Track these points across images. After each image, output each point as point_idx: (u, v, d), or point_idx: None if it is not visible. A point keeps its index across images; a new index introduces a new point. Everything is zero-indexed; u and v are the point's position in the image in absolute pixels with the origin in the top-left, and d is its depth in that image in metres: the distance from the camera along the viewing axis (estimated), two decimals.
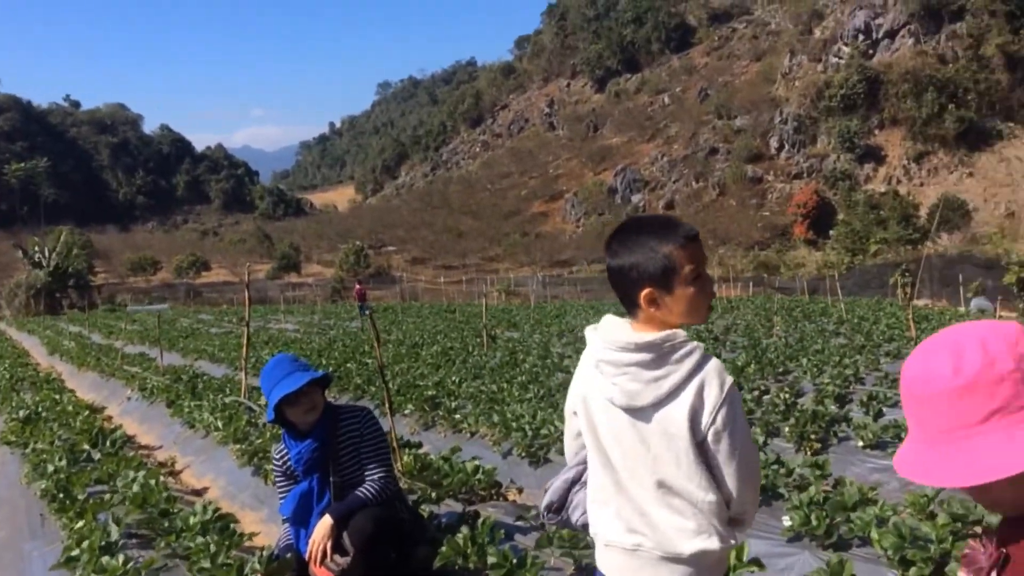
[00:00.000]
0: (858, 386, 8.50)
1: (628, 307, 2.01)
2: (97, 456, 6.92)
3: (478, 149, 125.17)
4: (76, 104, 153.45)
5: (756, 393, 7.75)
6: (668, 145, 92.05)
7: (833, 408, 6.73)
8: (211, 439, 8.07)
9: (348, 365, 11.68)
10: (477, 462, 5.27)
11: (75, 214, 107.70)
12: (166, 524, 4.69)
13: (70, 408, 9.73)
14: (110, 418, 11.70)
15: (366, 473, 4.01)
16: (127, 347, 18.03)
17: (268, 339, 18.46)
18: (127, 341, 18.81)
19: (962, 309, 22.12)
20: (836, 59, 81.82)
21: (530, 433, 6.19)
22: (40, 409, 9.84)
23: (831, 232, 61.09)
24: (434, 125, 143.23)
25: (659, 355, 1.92)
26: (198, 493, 7.06)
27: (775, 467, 4.78)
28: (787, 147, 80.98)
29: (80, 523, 4.69)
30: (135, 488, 5.30)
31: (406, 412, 8.24)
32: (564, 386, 8.85)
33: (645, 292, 1.94)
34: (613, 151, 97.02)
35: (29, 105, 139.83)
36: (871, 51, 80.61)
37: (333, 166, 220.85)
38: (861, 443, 5.70)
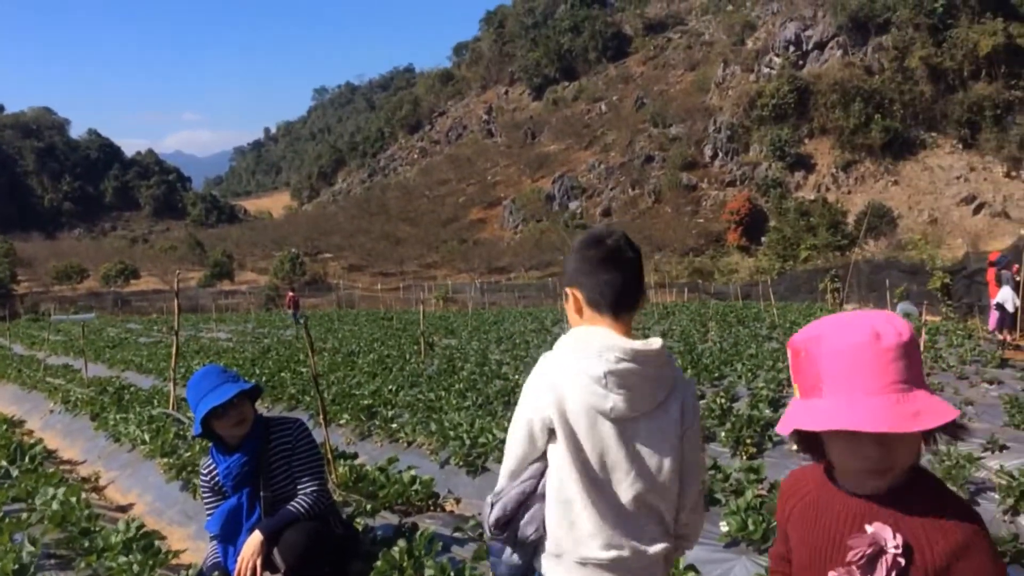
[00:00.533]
0: (791, 390, 8.62)
1: (628, 312, 2.06)
2: (15, 473, 6.61)
3: (416, 156, 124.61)
4: None
5: None
6: (605, 153, 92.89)
7: (768, 412, 6.79)
8: (137, 453, 7.79)
9: (282, 374, 11.43)
10: (414, 472, 5.16)
11: None
12: (87, 543, 4.48)
13: None
14: (31, 432, 11.25)
15: (298, 487, 3.89)
16: (50, 358, 17.41)
17: (199, 348, 17.99)
18: (50, 352, 18.16)
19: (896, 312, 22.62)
20: (768, 69, 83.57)
21: (468, 442, 6.11)
22: None
23: (763, 239, 62.30)
24: (372, 131, 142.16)
25: (666, 360, 2.01)
26: (123, 509, 6.81)
27: (712, 472, 4.78)
28: (721, 155, 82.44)
29: None
30: (54, 506, 5.06)
31: (341, 422, 8.08)
32: (503, 393, 8.79)
33: (641, 298, 2.07)
34: (551, 158, 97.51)
35: None
36: (801, 62, 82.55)
37: (268, 172, 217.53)
38: (795, 447, 5.75)
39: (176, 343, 8.70)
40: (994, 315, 15.09)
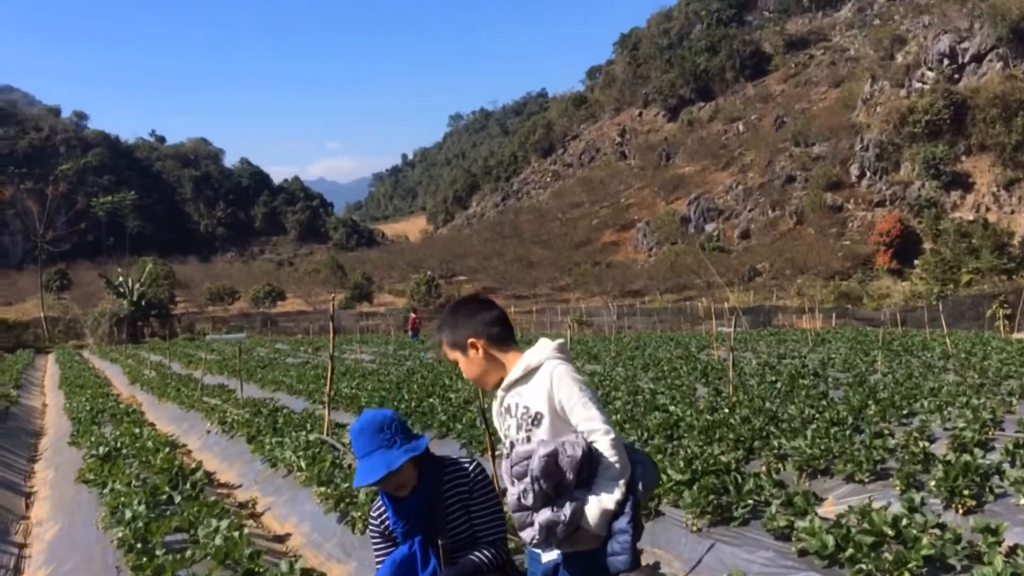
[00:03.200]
0: (997, 432, 7.69)
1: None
2: (177, 499, 6.58)
3: (549, 179, 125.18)
4: (161, 139, 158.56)
5: (881, 439, 7.01)
6: (743, 173, 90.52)
7: (982, 457, 6.00)
8: (293, 479, 7.70)
9: (430, 400, 11.25)
10: None
11: (158, 245, 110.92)
12: None
13: (150, 444, 9.49)
14: (189, 452, 11.50)
15: (479, 534, 3.53)
16: (206, 377, 18.00)
17: (345, 370, 18.20)
18: (206, 371, 18.79)
19: None
20: (920, 84, 79.45)
21: None
22: (119, 445, 9.64)
23: (916, 262, 58.96)
24: (505, 156, 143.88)
25: None
26: (281, 539, 6.67)
27: (935, 531, 4.14)
28: (868, 174, 78.87)
29: None
30: (217, 540, 4.90)
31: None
32: (664, 427, 8.25)
33: None
34: (686, 180, 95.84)
35: (117, 140, 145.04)
36: (957, 76, 78.09)
37: (405, 197, 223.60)
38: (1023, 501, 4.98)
39: (332, 367, 8.61)
40: None
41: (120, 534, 5.42)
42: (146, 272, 56.80)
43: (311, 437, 8.50)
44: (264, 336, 48.61)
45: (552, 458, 2.68)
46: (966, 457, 5.59)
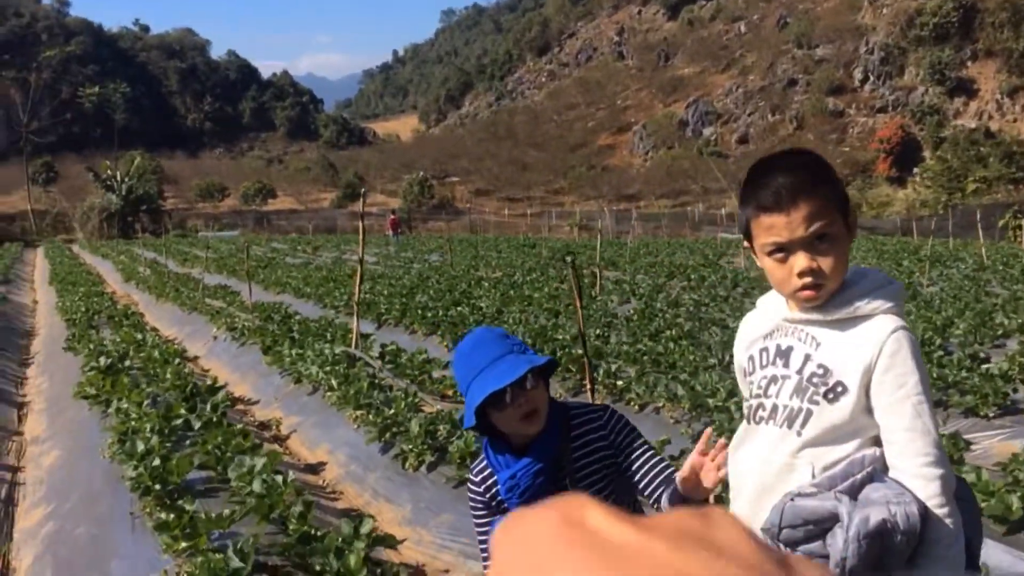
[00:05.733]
0: None
1: None
2: (196, 425, 5.83)
3: (544, 79, 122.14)
4: (145, 28, 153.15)
5: (984, 365, 6.26)
6: (743, 76, 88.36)
7: None
8: (321, 399, 6.98)
9: (459, 309, 10.48)
10: None
11: (145, 139, 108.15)
12: (307, 555, 3.52)
13: (156, 354, 8.73)
14: (196, 359, 10.78)
15: (648, 481, 2.76)
16: (205, 277, 17.15)
17: (351, 272, 17.32)
18: (204, 270, 17.92)
19: None
20: None
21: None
22: (122, 354, 8.87)
23: (915, 169, 58.11)
24: (499, 54, 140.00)
25: None
26: (314, 470, 5.97)
27: None
28: (872, 79, 77.16)
29: (187, 546, 3.54)
30: (256, 486, 4.15)
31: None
32: (728, 345, 7.53)
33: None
34: (685, 82, 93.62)
35: (100, 29, 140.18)
36: None
37: (396, 95, 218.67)
38: None
39: (360, 272, 7.79)
40: None
41: (132, 472, 4.66)
42: (134, 166, 55.16)
43: (337, 350, 7.73)
44: (258, 235, 47.56)
45: (878, 538, 1.63)
46: None
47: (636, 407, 5.98)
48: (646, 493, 2.75)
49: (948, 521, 1.71)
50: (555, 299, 11.52)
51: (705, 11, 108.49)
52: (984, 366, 6.19)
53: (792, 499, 1.76)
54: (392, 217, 36.93)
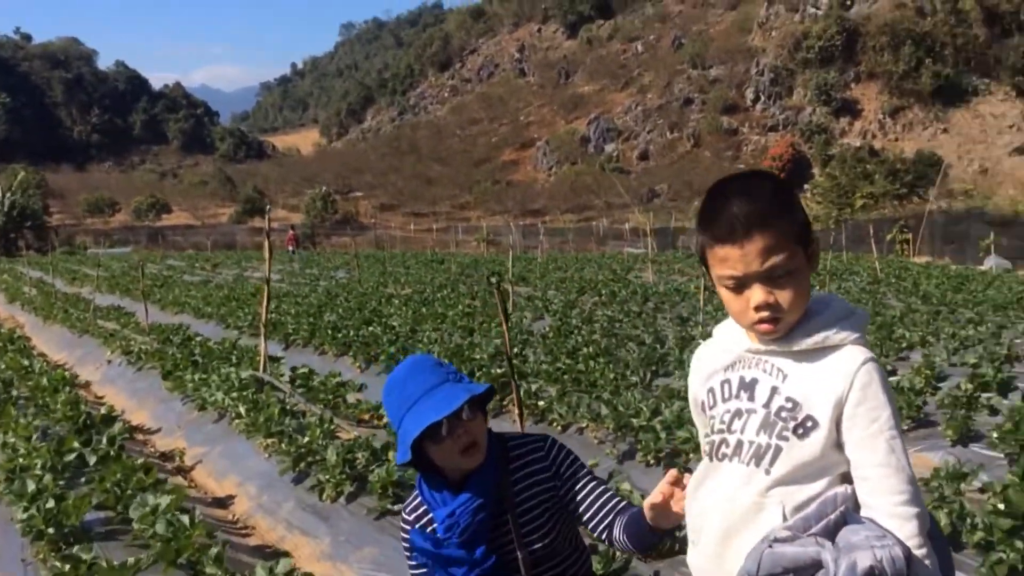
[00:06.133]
0: (1011, 367, 7.24)
1: None
2: (92, 460, 5.42)
3: (447, 94, 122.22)
4: (27, 37, 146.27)
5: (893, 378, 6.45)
6: (642, 94, 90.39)
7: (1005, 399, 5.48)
8: (228, 426, 6.64)
9: (371, 328, 10.19)
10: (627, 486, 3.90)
11: (28, 151, 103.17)
12: None
13: (46, 382, 8.16)
14: (88, 385, 10.18)
15: (595, 512, 2.61)
16: (97, 297, 16.29)
17: (255, 291, 16.75)
18: (95, 289, 17.04)
19: (982, 267, 21.29)
20: (814, 10, 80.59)
21: (663, 436, 4.84)
22: (7, 382, 8.27)
23: (806, 186, 60.47)
24: (401, 68, 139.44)
25: None
26: (222, 504, 5.63)
27: None
28: (763, 99, 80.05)
29: None
30: (159, 527, 3.83)
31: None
32: (648, 362, 7.51)
33: None
34: (586, 99, 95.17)
35: None
36: (849, 2, 79.47)
37: (295, 108, 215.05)
38: None
39: (268, 292, 7.47)
40: None
41: (23, 515, 4.27)
42: (17, 180, 52.45)
43: (244, 374, 7.38)
44: (152, 252, 45.76)
45: None
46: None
47: (559, 428, 5.88)
48: (591, 525, 2.61)
49: (927, 562, 1.64)
50: (469, 316, 11.36)
51: (603, 31, 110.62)
52: (892, 379, 6.33)
53: (770, 545, 1.65)
54: (291, 234, 37.00)
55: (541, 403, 6.10)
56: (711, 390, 1.89)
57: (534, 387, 6.49)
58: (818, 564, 1.58)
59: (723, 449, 1.83)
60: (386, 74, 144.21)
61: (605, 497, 2.59)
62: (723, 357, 1.89)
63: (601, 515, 2.57)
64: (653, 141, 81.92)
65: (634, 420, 5.19)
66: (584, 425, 5.70)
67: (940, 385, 6.35)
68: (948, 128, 70.47)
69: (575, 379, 6.72)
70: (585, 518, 2.58)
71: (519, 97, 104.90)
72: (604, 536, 2.57)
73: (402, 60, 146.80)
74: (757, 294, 1.70)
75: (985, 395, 5.92)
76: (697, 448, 4.91)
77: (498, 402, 6.58)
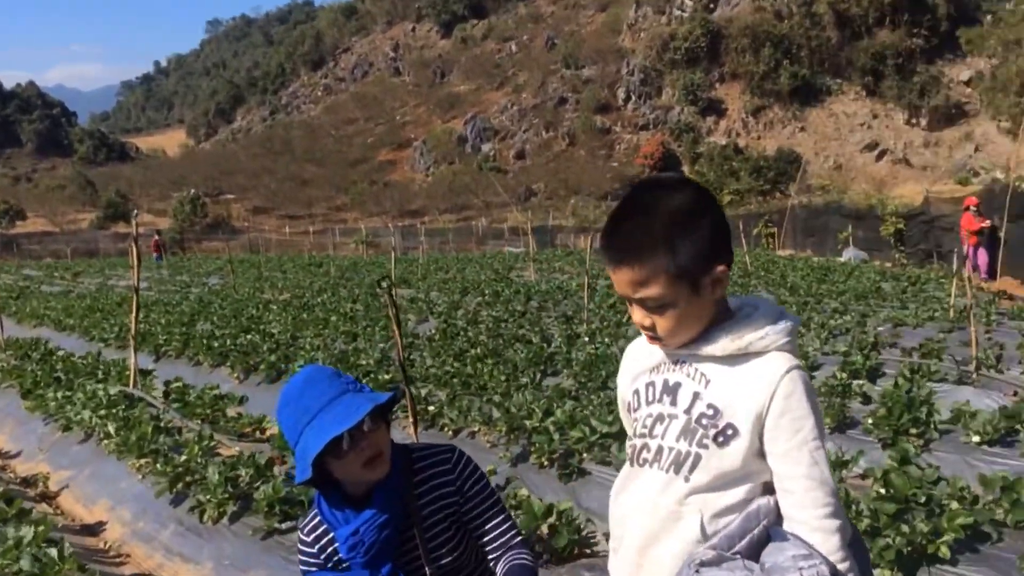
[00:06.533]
0: (878, 354, 7.56)
1: None
2: None
3: (320, 93, 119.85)
4: None
5: None
6: (517, 94, 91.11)
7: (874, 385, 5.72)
8: (97, 447, 6.22)
9: (249, 336, 9.78)
10: (527, 494, 3.83)
11: None
12: None
13: None
14: None
15: (491, 541, 2.53)
16: None
17: (121, 301, 15.90)
18: None
19: (841, 258, 22.47)
20: (680, 12, 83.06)
21: (556, 436, 4.80)
22: None
23: None
24: (271, 67, 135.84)
25: None
26: (92, 531, 5.26)
27: (934, 486, 3.64)
28: (634, 98, 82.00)
29: None
30: (25, 564, 3.52)
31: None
32: (536, 362, 7.48)
33: None
34: (462, 99, 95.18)
35: None
36: (712, 5, 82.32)
37: (160, 108, 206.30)
38: (977, 439, 4.67)
39: (136, 300, 7.07)
40: (983, 263, 14.62)
41: None
42: None
43: (112, 390, 6.94)
44: (6, 261, 42.90)
45: None
46: (903, 388, 5.25)
47: (450, 433, 5.78)
48: (483, 551, 2.54)
49: (851, 575, 1.63)
50: (352, 321, 11.08)
51: (477, 30, 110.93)
52: None
53: (697, 570, 1.60)
54: (155, 239, 36.07)
55: (432, 408, 5.98)
56: (636, 392, 1.86)
57: (424, 392, 6.37)
58: None
59: (644, 454, 1.79)
60: (256, 72, 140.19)
61: (501, 529, 2.52)
62: (650, 358, 1.85)
63: (495, 546, 2.51)
64: (529, 140, 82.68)
65: (527, 422, 5.15)
66: (476, 429, 5.62)
67: (815, 375, 6.58)
68: (805, 127, 73.92)
69: (464, 382, 6.62)
70: (481, 543, 2.51)
71: (394, 96, 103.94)
72: (490, 565, 2.52)
73: (272, 58, 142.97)
74: (635, 314, 1.72)
75: (856, 382, 6.15)
76: (591, 447, 4.90)
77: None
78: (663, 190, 1.70)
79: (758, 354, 1.69)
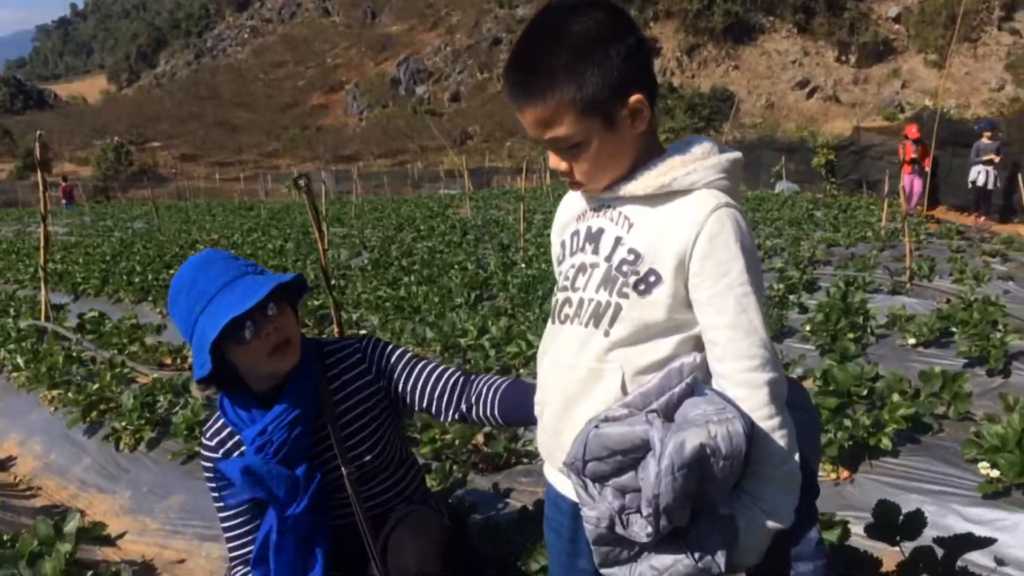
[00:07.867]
0: (814, 270, 7.59)
1: None
2: None
3: (247, 35, 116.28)
4: None
5: None
6: (451, 35, 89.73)
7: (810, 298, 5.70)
8: (5, 381, 5.87)
9: (172, 272, 9.38)
10: None
11: None
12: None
13: None
14: None
15: (449, 381, 2.33)
16: None
17: (38, 245, 15.16)
18: None
19: (775, 190, 22.74)
20: None
21: (492, 353, 4.64)
22: None
23: None
24: (195, 8, 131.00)
25: None
26: (2, 466, 4.96)
27: (874, 382, 3.58)
28: None
29: None
30: None
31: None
32: (472, 286, 7.31)
33: None
34: (394, 40, 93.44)
35: None
36: None
37: (78, 54, 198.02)
38: (913, 340, 4.66)
39: (45, 232, 6.68)
40: (917, 191, 14.80)
41: None
42: None
43: (23, 324, 6.56)
44: None
45: (697, 466, 1.33)
46: (839, 296, 5.23)
47: None
48: (435, 409, 2.31)
49: (778, 435, 1.44)
50: (281, 255, 10.75)
51: None
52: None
53: (597, 426, 1.41)
54: (63, 185, 34.16)
55: (363, 332, 5.77)
56: (563, 243, 1.66)
57: (355, 316, 6.14)
58: (647, 445, 1.36)
59: (565, 309, 1.60)
60: (179, 14, 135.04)
61: (437, 373, 2.31)
62: (578, 205, 1.65)
63: (447, 394, 2.29)
64: (464, 82, 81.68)
65: (461, 340, 4.98)
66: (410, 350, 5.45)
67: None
68: (739, 65, 74.42)
69: (397, 306, 6.42)
70: (425, 403, 2.29)
71: (325, 38, 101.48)
72: (456, 416, 2.29)
73: None
74: (551, 159, 1.54)
75: (792, 296, 6.14)
76: (527, 362, 4.75)
77: (316, 332, 6.19)
78: (570, 13, 1.46)
79: (685, 192, 1.49)
